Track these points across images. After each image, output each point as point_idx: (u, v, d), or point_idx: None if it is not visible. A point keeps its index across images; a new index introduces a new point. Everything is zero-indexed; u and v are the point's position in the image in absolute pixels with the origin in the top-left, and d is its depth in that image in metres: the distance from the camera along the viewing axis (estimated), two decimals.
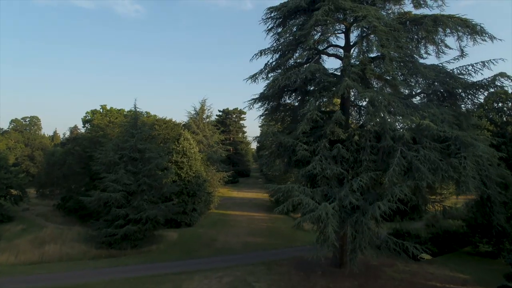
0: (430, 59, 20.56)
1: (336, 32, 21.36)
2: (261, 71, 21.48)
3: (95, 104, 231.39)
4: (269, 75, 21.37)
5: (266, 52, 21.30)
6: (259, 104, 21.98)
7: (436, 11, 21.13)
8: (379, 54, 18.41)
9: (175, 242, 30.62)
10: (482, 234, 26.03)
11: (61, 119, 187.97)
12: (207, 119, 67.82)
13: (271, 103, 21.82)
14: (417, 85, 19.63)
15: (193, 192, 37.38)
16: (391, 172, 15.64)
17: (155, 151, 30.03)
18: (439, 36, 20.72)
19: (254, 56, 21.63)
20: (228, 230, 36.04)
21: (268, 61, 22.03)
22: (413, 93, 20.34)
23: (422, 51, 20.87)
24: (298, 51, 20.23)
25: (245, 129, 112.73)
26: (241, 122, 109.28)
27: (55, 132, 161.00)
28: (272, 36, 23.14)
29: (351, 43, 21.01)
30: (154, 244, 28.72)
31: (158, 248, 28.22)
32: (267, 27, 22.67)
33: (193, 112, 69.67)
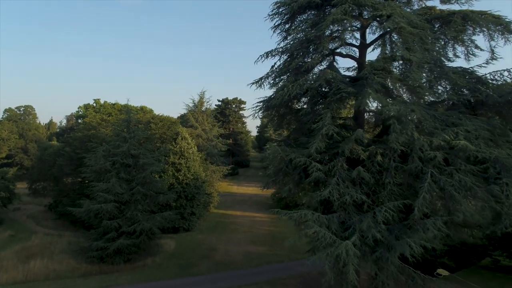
0: (457, 62, 17.96)
1: (351, 30, 18.84)
2: (267, 75, 18.98)
3: (91, 90, 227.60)
4: (276, 80, 18.92)
5: (274, 54, 18.77)
6: (266, 112, 19.65)
7: (455, 7, 18.73)
8: (399, 56, 15.96)
9: (172, 253, 28.59)
10: (504, 247, 24.10)
11: (58, 105, 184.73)
12: (206, 112, 65.28)
13: (279, 111, 19.43)
14: (444, 93, 17.22)
15: (191, 195, 35.26)
16: (421, 200, 13.42)
17: (150, 156, 27.68)
18: (468, 36, 18.25)
19: (260, 58, 19.11)
20: (229, 237, 34.07)
21: (275, 63, 19.54)
22: (439, 100, 17.95)
23: (450, 53, 18.36)
24: (310, 53, 17.70)
25: (244, 119, 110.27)
26: (240, 112, 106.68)
27: (51, 121, 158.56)
28: (278, 33, 20.66)
29: (368, 42, 18.53)
30: (149, 257, 26.67)
31: (154, 262, 26.17)
32: (274, 23, 20.11)
33: (191, 105, 67.20)
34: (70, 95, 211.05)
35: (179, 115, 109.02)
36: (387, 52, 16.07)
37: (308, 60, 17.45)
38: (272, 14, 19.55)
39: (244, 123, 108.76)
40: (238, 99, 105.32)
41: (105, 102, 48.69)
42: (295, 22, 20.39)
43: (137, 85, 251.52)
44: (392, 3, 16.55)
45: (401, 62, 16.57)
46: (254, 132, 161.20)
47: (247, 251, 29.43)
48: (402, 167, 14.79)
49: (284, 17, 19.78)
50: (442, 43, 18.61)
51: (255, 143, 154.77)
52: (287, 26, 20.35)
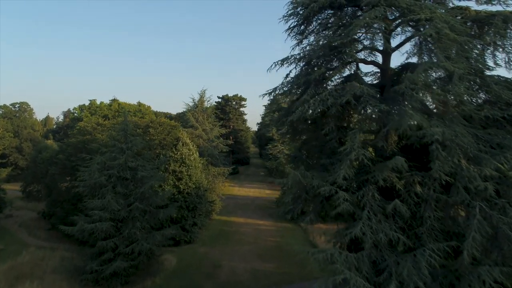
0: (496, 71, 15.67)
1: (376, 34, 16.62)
2: (282, 85, 16.77)
3: (89, 85, 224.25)
4: (292, 90, 16.70)
5: (290, 61, 16.50)
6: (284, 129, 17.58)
7: (493, 8, 16.50)
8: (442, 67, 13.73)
9: (174, 271, 26.53)
10: None
11: (55, 100, 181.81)
12: (206, 111, 62.96)
13: (296, 128, 17.26)
14: (485, 107, 15.04)
15: (193, 205, 33.16)
16: (470, 241, 11.33)
17: (150, 168, 25.48)
18: (510, 41, 16.04)
19: (274, 66, 16.87)
20: (233, 249, 32.04)
21: (290, 71, 17.32)
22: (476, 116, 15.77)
23: (490, 61, 16.15)
24: (332, 62, 15.46)
25: (245, 117, 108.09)
26: (241, 109, 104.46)
27: (47, 117, 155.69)
28: (293, 36, 18.42)
29: (394, 46, 16.30)
30: (149, 277, 24.62)
31: (154, 283, 24.12)
32: (289, 25, 17.86)
33: (191, 104, 64.92)
34: (67, 89, 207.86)
35: (177, 112, 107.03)
36: (424, 61, 13.75)
37: (330, 70, 15.23)
38: (287, 15, 17.29)
39: (244, 120, 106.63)
40: (239, 95, 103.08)
41: (101, 103, 46.21)
42: (312, 25, 18.17)
43: (134, 79, 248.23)
44: (428, 4, 14.31)
45: (439, 73, 14.34)
46: (253, 126, 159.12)
47: (253, 268, 27.40)
48: (444, 199, 12.67)
49: (300, 18, 17.53)
50: (480, 49, 16.39)
51: (255, 138, 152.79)
52: (302, 27, 18.15)
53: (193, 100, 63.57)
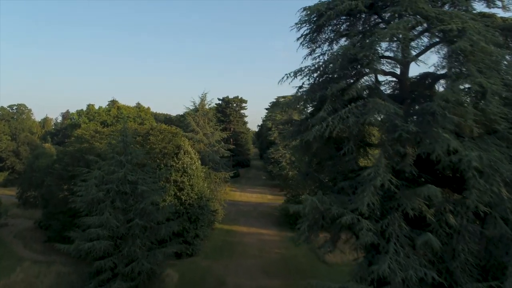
0: None
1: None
2: (296, 99, 15.43)
3: (89, 85, 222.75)
4: (307, 104, 15.42)
5: (305, 73, 15.18)
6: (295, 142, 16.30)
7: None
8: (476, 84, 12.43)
9: None
10: None
11: (54, 100, 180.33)
12: (207, 115, 61.64)
13: (311, 146, 15.96)
14: None
15: (195, 217, 31.87)
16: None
17: (150, 181, 24.18)
18: None
19: (286, 78, 15.54)
20: (237, 262, 30.77)
21: (302, 83, 16.03)
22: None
23: None
24: (351, 74, 14.14)
25: (246, 119, 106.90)
26: (241, 111, 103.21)
27: (46, 118, 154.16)
28: (305, 44, 17.16)
29: (413, 55, 15.01)
30: None
31: None
32: (301, 33, 16.59)
33: (192, 108, 63.68)
34: (66, 89, 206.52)
35: (177, 114, 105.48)
36: (454, 73, 12.44)
37: (349, 84, 13.91)
38: (300, 23, 16.00)
39: (245, 122, 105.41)
40: (239, 97, 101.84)
41: (99, 108, 44.87)
42: (325, 32, 16.93)
43: (134, 79, 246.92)
44: (457, 13, 13.01)
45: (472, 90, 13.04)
46: (252, 126, 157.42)
47: (259, 285, 26.12)
48: (480, 231, 11.42)
49: (313, 26, 16.25)
50: (509, 60, 15.10)
51: (255, 139, 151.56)
52: (314, 35, 16.90)
53: (194, 104, 62.34)
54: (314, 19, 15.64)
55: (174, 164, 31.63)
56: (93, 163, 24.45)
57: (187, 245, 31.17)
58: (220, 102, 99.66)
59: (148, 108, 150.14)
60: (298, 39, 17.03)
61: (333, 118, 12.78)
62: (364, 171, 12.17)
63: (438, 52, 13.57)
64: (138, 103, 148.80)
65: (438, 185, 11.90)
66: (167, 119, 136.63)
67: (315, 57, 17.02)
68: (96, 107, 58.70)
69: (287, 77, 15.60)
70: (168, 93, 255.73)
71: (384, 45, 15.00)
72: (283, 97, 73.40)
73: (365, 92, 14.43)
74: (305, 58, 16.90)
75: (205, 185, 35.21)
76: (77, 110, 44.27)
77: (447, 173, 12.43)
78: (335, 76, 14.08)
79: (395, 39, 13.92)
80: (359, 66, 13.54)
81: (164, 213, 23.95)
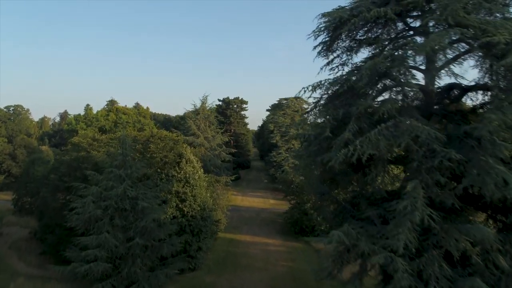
0: None
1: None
2: (314, 114, 14.00)
3: (87, 84, 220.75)
4: (328, 125, 13.93)
5: (325, 86, 13.70)
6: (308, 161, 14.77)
7: None
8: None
9: None
10: None
11: (52, 100, 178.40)
12: (209, 118, 60.12)
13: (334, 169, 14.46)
14: None
15: (198, 229, 30.36)
16: None
17: (151, 195, 22.69)
18: None
19: (304, 92, 14.07)
20: (242, 277, 29.29)
21: (321, 97, 14.58)
22: None
23: None
24: (381, 90, 12.66)
25: (246, 120, 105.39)
26: (242, 112, 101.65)
27: (43, 118, 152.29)
28: (322, 54, 15.69)
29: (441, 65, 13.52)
30: None
31: None
32: (319, 41, 15.12)
33: (192, 109, 62.33)
34: (65, 88, 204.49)
35: (177, 115, 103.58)
36: (501, 94, 10.96)
37: (377, 100, 12.45)
38: (318, 30, 14.51)
39: (245, 124, 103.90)
40: (240, 98, 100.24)
41: (97, 112, 43.25)
42: (343, 41, 15.45)
43: (133, 79, 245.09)
44: (503, 23, 11.52)
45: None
46: (252, 125, 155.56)
47: None
48: None
49: (332, 33, 14.76)
50: None
51: (254, 138, 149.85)
52: (332, 43, 15.44)
53: (194, 107, 60.86)
54: (333, 26, 14.13)
55: (176, 174, 30.08)
56: (90, 176, 22.95)
57: (189, 259, 29.69)
58: (220, 103, 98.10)
59: (147, 109, 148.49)
60: (315, 47, 15.55)
61: (361, 141, 11.28)
62: (399, 204, 10.65)
63: (481, 67, 12.02)
64: (137, 103, 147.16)
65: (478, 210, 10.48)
66: (167, 120, 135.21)
67: (333, 67, 15.59)
68: (95, 107, 57.00)
69: (305, 91, 14.13)
70: (167, 93, 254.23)
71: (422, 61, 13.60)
72: (285, 99, 72.04)
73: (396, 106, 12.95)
74: (322, 69, 15.45)
75: (208, 194, 33.68)
76: (74, 115, 42.38)
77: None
78: (361, 91, 12.56)
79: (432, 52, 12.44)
80: (388, 81, 12.03)
81: (166, 230, 22.45)
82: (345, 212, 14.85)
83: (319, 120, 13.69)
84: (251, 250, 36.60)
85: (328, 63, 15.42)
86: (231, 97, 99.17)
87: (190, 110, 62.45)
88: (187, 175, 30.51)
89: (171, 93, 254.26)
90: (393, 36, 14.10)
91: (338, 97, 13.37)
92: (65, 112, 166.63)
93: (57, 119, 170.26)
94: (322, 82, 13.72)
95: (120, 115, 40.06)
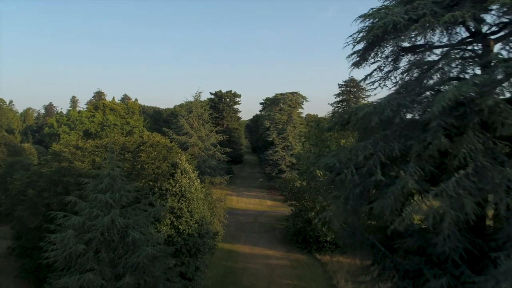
0: None
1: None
2: (359, 151, 10.86)
3: (74, 75, 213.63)
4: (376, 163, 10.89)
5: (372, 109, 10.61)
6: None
7: None
8: None
9: None
10: None
11: (37, 91, 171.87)
12: (202, 116, 56.69)
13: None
14: None
15: (195, 248, 27.33)
16: None
17: (143, 222, 19.51)
18: None
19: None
20: None
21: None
22: None
23: None
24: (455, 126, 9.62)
25: (239, 114, 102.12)
26: (235, 106, 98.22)
27: (27, 111, 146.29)
28: (358, 63, 12.62)
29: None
30: None
31: None
32: (359, 50, 12.02)
33: (184, 102, 58.88)
34: (50, 79, 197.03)
35: (167, 107, 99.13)
36: None
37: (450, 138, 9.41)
38: (360, 38, 11.39)
39: (239, 118, 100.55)
40: (233, 92, 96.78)
41: (81, 112, 39.20)
42: (386, 48, 12.41)
43: (121, 70, 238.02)
44: None
45: None
46: (243, 115, 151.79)
47: None
48: None
49: (373, 39, 11.65)
50: None
51: (246, 130, 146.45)
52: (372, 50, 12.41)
53: (186, 102, 57.33)
54: (381, 32, 10.98)
55: (170, 188, 26.86)
56: (72, 202, 19.57)
57: (187, 281, 26.71)
58: (212, 96, 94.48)
59: (136, 101, 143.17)
60: (349, 56, 12.44)
61: (435, 195, 8.26)
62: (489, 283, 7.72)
63: None
64: (125, 95, 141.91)
65: None
66: (156, 113, 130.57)
67: (373, 81, 12.53)
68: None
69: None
70: (157, 85, 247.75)
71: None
72: (281, 94, 68.76)
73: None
74: (362, 83, 12.38)
75: (205, 206, 30.58)
76: (55, 117, 38.03)
77: None
78: (433, 125, 9.44)
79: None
80: (467, 112, 8.97)
81: (161, 266, 19.35)
82: (384, 257, 11.97)
83: (361, 154, 10.58)
84: (251, 265, 33.83)
85: (367, 76, 12.37)
86: (224, 90, 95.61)
87: (184, 102, 58.86)
88: (183, 189, 27.31)
89: (160, 85, 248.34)
90: (453, 42, 11.07)
91: (389, 125, 10.32)
92: (50, 105, 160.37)
93: (42, 111, 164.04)
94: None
95: (107, 116, 36.19)
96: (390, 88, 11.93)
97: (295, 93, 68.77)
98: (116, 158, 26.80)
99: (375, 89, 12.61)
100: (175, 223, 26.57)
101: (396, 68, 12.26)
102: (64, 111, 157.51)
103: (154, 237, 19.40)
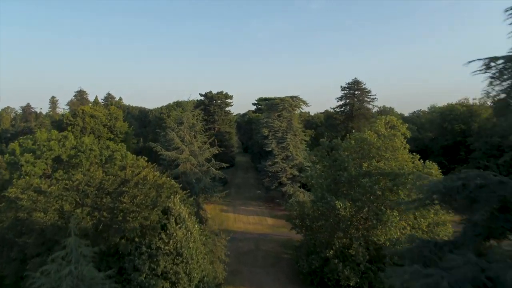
0: None
1: None
2: None
3: (55, 73, 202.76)
4: None
5: None
6: None
7: None
8: None
9: None
10: None
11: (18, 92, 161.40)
12: (195, 128, 50.19)
13: None
14: None
15: None
16: None
17: None
18: None
19: None
20: None
21: None
22: None
23: None
24: None
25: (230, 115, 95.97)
26: (227, 108, 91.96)
27: (3, 113, 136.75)
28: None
29: None
30: None
31: None
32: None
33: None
34: (28, 77, 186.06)
35: (155, 107, 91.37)
36: None
37: None
38: None
39: (230, 121, 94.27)
40: (224, 93, 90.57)
41: (52, 132, 32.06)
42: None
43: (104, 67, 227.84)
44: None
45: None
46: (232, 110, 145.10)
47: None
48: None
49: None
50: None
51: (235, 127, 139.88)
52: None
53: (177, 117, 50.74)
54: None
55: (162, 247, 20.72)
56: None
57: None
58: (202, 98, 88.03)
59: (120, 100, 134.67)
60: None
61: None
62: None
63: None
64: (109, 94, 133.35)
65: None
66: (142, 113, 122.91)
67: None
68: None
69: None
70: (142, 83, 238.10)
71: None
72: (280, 99, 62.55)
73: None
74: None
75: (206, 260, 24.52)
76: (18, 140, 30.81)
77: None
78: None
79: None
80: None
81: None
82: None
83: None
84: None
85: None
86: (214, 91, 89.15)
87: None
88: (178, 245, 21.20)
89: (146, 83, 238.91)
90: None
91: None
92: (28, 106, 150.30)
93: (19, 111, 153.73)
94: None
95: (83, 139, 29.51)
96: None
97: (295, 97, 62.85)
98: (91, 203, 21.01)
99: None
100: None
101: None
102: (44, 112, 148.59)
103: None
